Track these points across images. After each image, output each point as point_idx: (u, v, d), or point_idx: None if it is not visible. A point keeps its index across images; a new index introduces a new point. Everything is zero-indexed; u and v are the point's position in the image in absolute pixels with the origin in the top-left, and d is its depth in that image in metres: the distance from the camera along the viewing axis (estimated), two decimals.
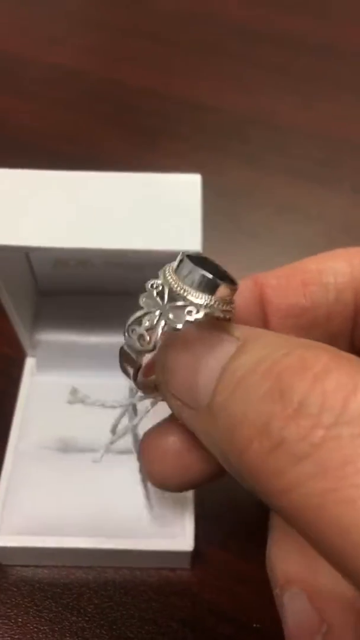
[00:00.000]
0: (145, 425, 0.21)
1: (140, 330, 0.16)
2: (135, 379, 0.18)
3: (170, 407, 0.18)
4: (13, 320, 0.34)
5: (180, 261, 0.17)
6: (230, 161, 0.53)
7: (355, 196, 0.50)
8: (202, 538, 0.31)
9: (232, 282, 0.17)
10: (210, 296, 0.16)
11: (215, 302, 0.16)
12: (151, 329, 0.16)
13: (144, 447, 0.21)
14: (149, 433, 0.21)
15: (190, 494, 0.32)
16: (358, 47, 0.62)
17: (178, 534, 0.31)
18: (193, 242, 0.28)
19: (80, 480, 0.32)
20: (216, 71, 0.61)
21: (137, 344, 0.16)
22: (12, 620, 0.30)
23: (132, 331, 0.16)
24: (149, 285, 0.17)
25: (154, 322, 0.16)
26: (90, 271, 0.34)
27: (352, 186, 0.51)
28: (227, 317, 0.17)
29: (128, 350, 0.17)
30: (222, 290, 0.16)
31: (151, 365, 0.18)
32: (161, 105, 0.57)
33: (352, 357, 0.15)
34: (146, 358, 0.17)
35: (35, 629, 0.30)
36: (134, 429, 0.23)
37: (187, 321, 0.16)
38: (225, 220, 0.49)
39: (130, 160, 0.52)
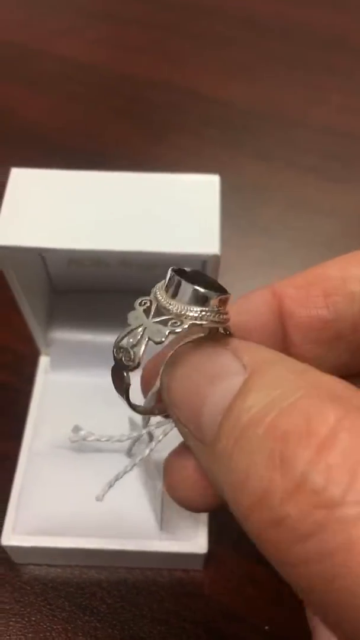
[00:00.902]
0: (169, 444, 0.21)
1: (126, 346, 0.16)
2: (127, 398, 0.17)
3: (179, 431, 0.17)
4: (27, 319, 0.33)
5: (169, 277, 0.17)
6: (242, 155, 0.52)
7: None
8: (214, 540, 0.31)
9: (222, 292, 0.16)
10: (196, 307, 0.16)
11: (202, 313, 0.16)
12: (136, 345, 0.16)
13: (166, 472, 0.20)
14: (169, 458, 0.20)
15: None
16: None
17: (191, 537, 0.31)
18: (211, 245, 0.27)
19: (94, 480, 0.32)
20: (228, 64, 0.60)
21: (125, 361, 0.16)
22: (25, 619, 0.31)
23: (119, 349, 0.16)
24: (137, 303, 0.16)
25: (137, 338, 0.16)
26: (105, 270, 0.34)
27: None
28: (222, 328, 0.16)
29: (115, 372, 0.17)
30: (211, 300, 0.16)
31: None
32: (172, 98, 0.56)
33: None
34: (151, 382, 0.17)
35: (48, 628, 0.30)
36: (148, 456, 0.22)
37: (171, 333, 0.16)
38: (238, 215, 0.48)
39: (141, 154, 0.52)
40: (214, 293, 0.16)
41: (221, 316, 0.16)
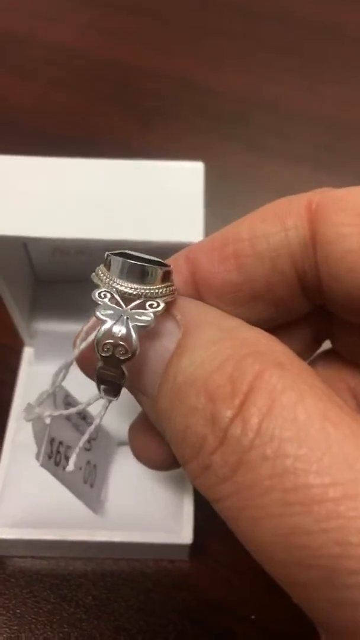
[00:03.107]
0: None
1: (116, 341, 0.16)
2: (119, 390, 0.17)
3: (126, 387, 0.18)
4: (10, 310, 0.33)
5: (111, 262, 0.17)
6: (232, 145, 0.52)
7: (358, 182, 0.49)
8: (200, 529, 0.31)
9: (165, 265, 0.17)
10: (161, 285, 0.17)
11: (168, 288, 0.17)
12: (125, 336, 0.16)
13: (130, 441, 0.22)
14: (132, 426, 0.22)
15: (189, 487, 0.31)
16: None
17: (177, 527, 0.31)
18: (195, 233, 0.27)
19: (78, 472, 0.32)
20: (218, 52, 0.59)
21: (119, 356, 0.16)
22: (10, 612, 0.30)
23: (105, 349, 0.16)
24: (97, 295, 0.16)
25: (126, 329, 0.16)
26: (90, 259, 0.33)
27: (355, 172, 0.50)
28: (176, 295, 0.17)
29: (106, 370, 0.17)
30: (167, 274, 0.17)
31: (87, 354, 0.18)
32: (162, 86, 0.56)
33: (284, 359, 0.15)
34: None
35: (33, 620, 0.30)
36: (96, 429, 0.22)
37: (155, 314, 0.16)
38: (225, 205, 0.48)
39: (130, 142, 0.51)
40: (164, 267, 0.17)
41: (174, 286, 0.17)
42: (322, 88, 0.56)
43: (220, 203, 0.47)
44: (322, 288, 0.18)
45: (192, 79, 0.56)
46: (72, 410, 0.22)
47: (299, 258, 0.18)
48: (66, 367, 0.20)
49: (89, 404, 0.21)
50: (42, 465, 0.23)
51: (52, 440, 0.24)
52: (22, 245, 0.33)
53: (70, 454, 0.27)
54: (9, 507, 0.31)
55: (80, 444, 0.22)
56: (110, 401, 0.18)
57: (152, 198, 0.28)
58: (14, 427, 0.33)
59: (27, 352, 0.36)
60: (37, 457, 0.23)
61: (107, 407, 0.19)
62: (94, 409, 0.21)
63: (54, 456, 0.25)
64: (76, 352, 0.18)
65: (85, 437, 0.21)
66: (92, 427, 0.20)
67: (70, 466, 0.22)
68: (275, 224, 0.18)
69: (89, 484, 0.29)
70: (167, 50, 0.59)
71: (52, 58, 0.58)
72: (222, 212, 0.48)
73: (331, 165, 0.50)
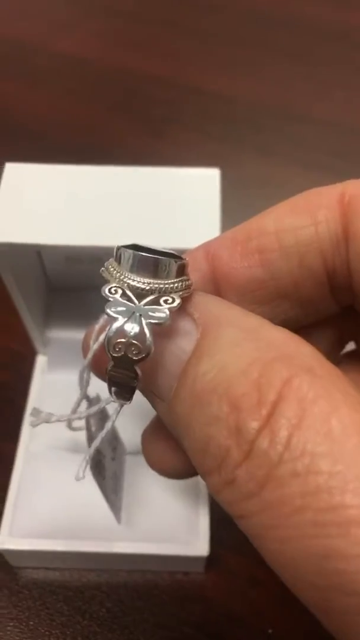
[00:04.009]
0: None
1: (129, 340, 0.15)
2: (132, 393, 0.16)
3: (140, 390, 0.17)
4: (24, 318, 0.33)
5: (122, 255, 0.16)
6: (244, 151, 0.51)
7: None
8: (216, 541, 0.31)
9: (179, 257, 0.16)
10: (175, 279, 0.15)
11: (183, 282, 0.15)
12: (138, 335, 0.15)
13: (144, 449, 0.21)
14: (145, 432, 0.21)
15: (204, 497, 0.31)
16: None
17: (192, 539, 0.30)
18: None
19: (92, 482, 0.31)
20: (229, 59, 0.59)
21: (132, 356, 0.15)
22: (23, 623, 0.30)
23: (117, 348, 0.15)
24: (107, 291, 0.15)
25: (139, 327, 0.15)
26: None
27: None
28: (192, 290, 0.16)
29: (118, 372, 0.15)
30: (182, 267, 0.16)
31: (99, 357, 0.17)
32: (173, 93, 0.56)
33: (315, 364, 0.14)
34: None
35: (47, 633, 0.30)
36: (111, 432, 0.22)
37: (171, 310, 0.15)
38: (238, 211, 0.47)
39: (141, 150, 0.51)
40: (179, 259, 0.16)
41: (189, 280, 0.16)
42: (333, 94, 0.55)
43: (233, 208, 0.47)
44: (352, 286, 0.17)
45: (202, 86, 0.56)
46: (83, 414, 0.21)
47: (329, 254, 0.17)
48: (87, 372, 0.19)
49: (100, 408, 0.20)
50: (92, 472, 0.23)
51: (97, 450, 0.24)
52: (36, 254, 0.33)
53: (106, 462, 0.27)
54: (23, 517, 0.30)
55: (92, 450, 0.21)
56: (122, 404, 0.17)
57: (168, 205, 0.27)
58: (28, 436, 0.33)
59: (41, 360, 0.36)
60: (85, 465, 0.23)
61: (119, 411, 0.18)
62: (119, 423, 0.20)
63: (95, 465, 0.25)
64: (90, 354, 0.17)
65: (97, 442, 0.21)
66: (103, 432, 0.20)
67: (80, 474, 0.21)
68: (305, 217, 0.17)
69: (114, 493, 0.29)
70: (178, 57, 0.59)
71: (62, 66, 0.58)
72: (235, 217, 0.47)
73: (342, 171, 0.49)
